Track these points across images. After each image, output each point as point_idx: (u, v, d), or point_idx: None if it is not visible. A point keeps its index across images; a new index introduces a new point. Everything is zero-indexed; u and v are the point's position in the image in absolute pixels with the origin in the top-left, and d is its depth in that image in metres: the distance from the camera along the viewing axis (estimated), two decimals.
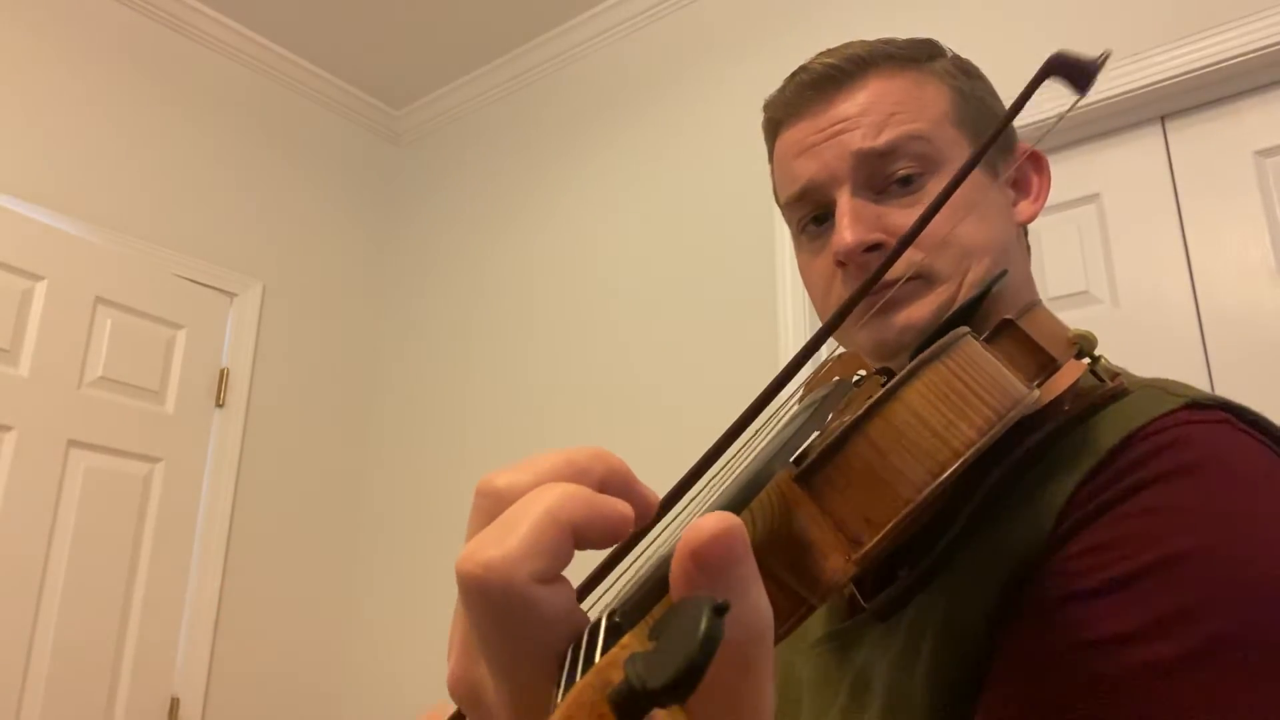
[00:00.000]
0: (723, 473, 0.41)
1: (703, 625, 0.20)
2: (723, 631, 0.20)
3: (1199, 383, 1.63)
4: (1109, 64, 1.80)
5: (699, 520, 0.24)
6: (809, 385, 0.61)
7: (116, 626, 2.30)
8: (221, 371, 2.65)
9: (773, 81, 0.69)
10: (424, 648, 2.57)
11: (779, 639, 0.32)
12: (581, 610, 0.27)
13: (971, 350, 0.37)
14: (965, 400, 0.35)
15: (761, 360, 2.10)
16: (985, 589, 0.48)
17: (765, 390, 0.34)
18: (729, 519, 0.23)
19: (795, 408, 0.50)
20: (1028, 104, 0.68)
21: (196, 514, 2.53)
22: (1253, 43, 1.64)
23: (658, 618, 0.23)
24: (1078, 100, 0.43)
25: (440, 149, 3.20)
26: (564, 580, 0.26)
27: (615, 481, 0.29)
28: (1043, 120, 1.83)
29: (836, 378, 0.59)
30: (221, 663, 2.49)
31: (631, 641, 0.22)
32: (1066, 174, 1.82)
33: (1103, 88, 1.79)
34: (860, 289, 0.39)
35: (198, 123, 2.75)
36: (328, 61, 3.03)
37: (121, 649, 2.31)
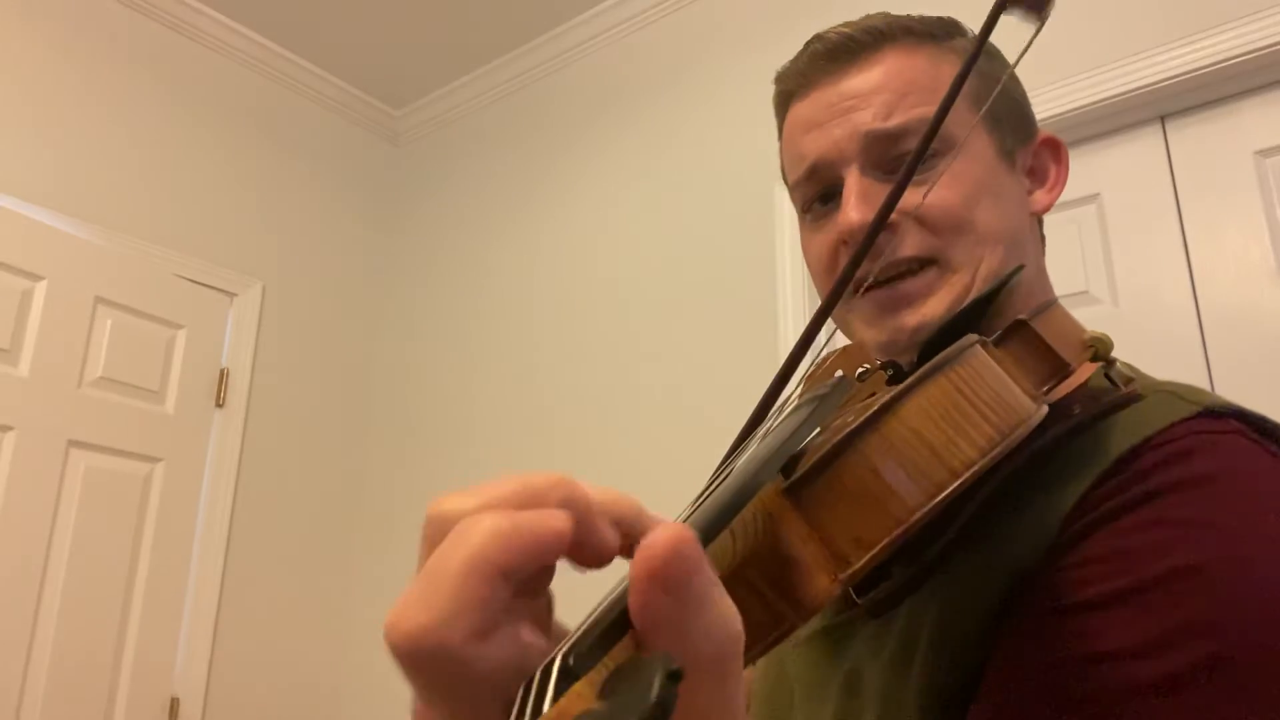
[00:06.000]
0: (714, 478, 0.39)
1: (654, 691, 0.18)
2: (676, 697, 0.19)
3: (1199, 383, 1.62)
4: (1107, 64, 1.79)
5: (648, 539, 0.22)
6: (810, 380, 0.59)
7: (116, 626, 2.30)
8: (221, 371, 2.64)
9: (771, 84, 0.68)
10: None
11: (756, 656, 0.30)
12: (539, 645, 0.26)
13: (978, 362, 0.36)
14: (967, 418, 0.33)
15: (761, 357, 2.09)
16: (983, 596, 0.46)
17: (780, 372, 0.32)
18: (677, 530, 0.22)
19: (795, 404, 0.49)
20: (1031, 101, 0.67)
21: (196, 514, 2.52)
22: (1253, 43, 1.64)
23: (610, 670, 0.21)
24: (1036, 34, 0.42)
25: (440, 149, 3.20)
26: (505, 624, 0.25)
27: (573, 511, 0.27)
28: (1047, 118, 1.83)
29: (839, 372, 0.56)
30: (221, 663, 2.49)
31: (584, 690, 0.21)
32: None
33: (1103, 88, 1.78)
34: (851, 261, 0.38)
35: (198, 122, 2.75)
36: (328, 61, 3.03)
37: (121, 649, 2.31)
